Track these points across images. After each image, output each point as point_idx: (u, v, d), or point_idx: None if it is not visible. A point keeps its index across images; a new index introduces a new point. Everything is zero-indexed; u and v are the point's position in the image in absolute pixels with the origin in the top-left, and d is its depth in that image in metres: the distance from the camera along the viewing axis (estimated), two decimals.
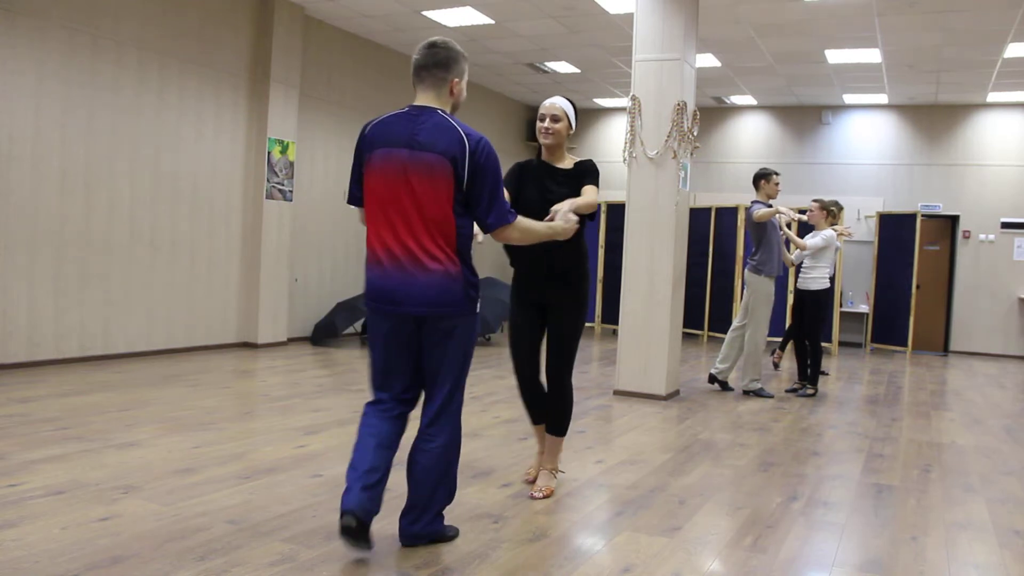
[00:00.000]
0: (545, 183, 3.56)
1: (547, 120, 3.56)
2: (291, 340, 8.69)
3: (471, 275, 2.84)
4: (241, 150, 8.10)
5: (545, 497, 3.61)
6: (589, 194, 3.48)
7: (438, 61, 2.79)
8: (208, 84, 7.69)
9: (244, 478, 3.71)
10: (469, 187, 2.74)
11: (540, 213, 3.29)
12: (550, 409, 3.68)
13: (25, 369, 6.18)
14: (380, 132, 2.79)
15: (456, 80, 2.83)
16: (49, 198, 6.37)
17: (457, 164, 2.70)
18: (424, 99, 2.82)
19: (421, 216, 2.72)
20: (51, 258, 6.41)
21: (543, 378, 3.69)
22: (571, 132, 3.63)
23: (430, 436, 2.84)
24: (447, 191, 2.71)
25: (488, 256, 11.20)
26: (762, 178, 6.74)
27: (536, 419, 3.80)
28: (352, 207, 2.94)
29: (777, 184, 6.74)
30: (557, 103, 3.57)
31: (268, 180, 8.19)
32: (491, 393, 6.25)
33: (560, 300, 3.57)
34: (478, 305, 2.87)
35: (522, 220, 2.92)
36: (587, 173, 3.58)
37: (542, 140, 3.58)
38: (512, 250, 3.55)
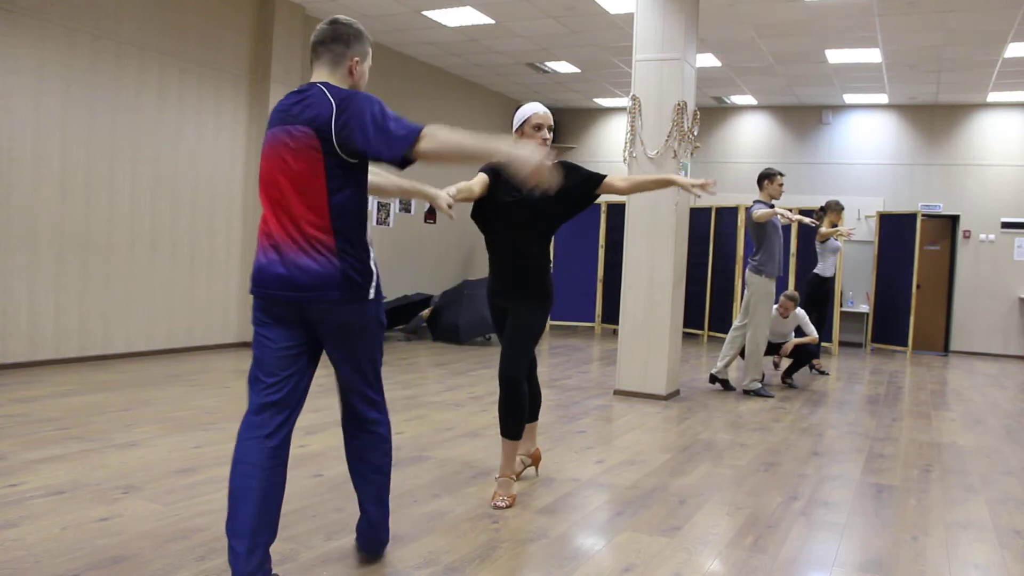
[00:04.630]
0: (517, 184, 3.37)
1: (545, 130, 3.49)
2: None
3: (356, 257, 2.50)
4: (241, 150, 8.10)
5: (508, 506, 3.47)
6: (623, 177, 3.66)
7: (338, 36, 2.56)
8: (208, 84, 7.69)
9: None
10: (345, 141, 2.40)
11: (523, 210, 3.43)
12: (503, 410, 3.57)
13: (25, 369, 6.18)
14: (272, 115, 2.57)
15: (356, 59, 2.58)
16: (49, 198, 6.37)
17: (322, 131, 2.41)
18: (318, 76, 2.57)
19: (297, 194, 2.45)
20: (51, 258, 6.41)
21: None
22: None
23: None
24: (317, 164, 2.43)
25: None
26: (766, 178, 6.74)
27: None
28: None
29: (781, 185, 6.73)
30: (549, 112, 3.54)
31: None
32: (491, 393, 6.25)
33: (520, 292, 3.55)
34: (371, 291, 2.54)
35: (438, 130, 2.39)
36: (576, 170, 3.55)
37: (543, 150, 3.49)
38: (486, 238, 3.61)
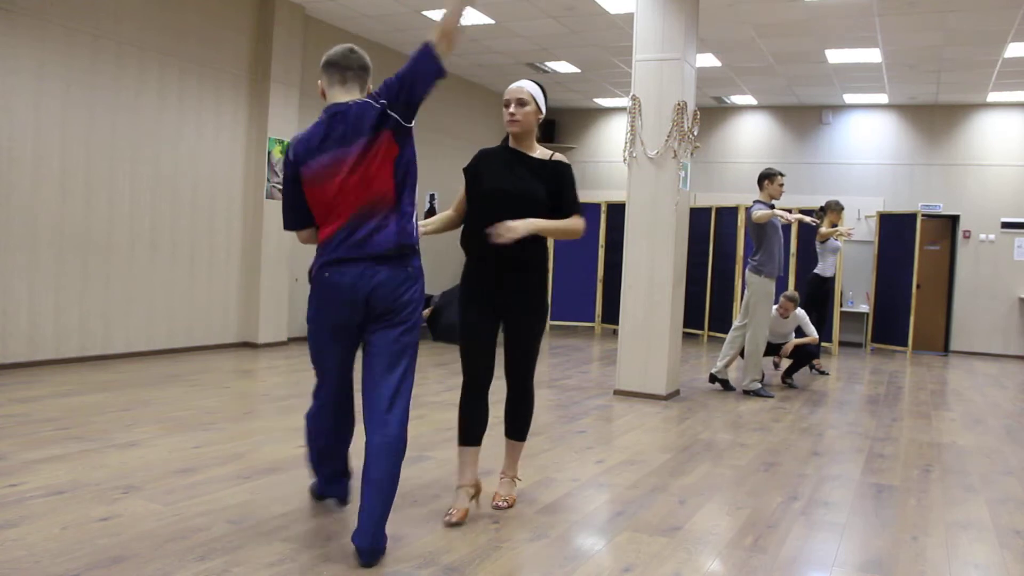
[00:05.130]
0: (515, 169, 3.24)
1: (512, 105, 3.23)
2: (291, 340, 8.69)
3: (412, 225, 2.90)
4: (241, 150, 8.10)
5: (509, 507, 3.45)
6: (574, 223, 3.25)
7: (363, 65, 2.94)
8: (208, 84, 7.69)
9: (244, 478, 3.71)
10: (410, 96, 2.81)
11: (511, 200, 3.16)
12: (514, 414, 3.47)
13: (25, 369, 6.18)
14: (312, 142, 2.82)
15: (371, 86, 2.96)
16: (49, 198, 6.37)
17: (390, 124, 2.78)
18: (348, 96, 2.88)
19: (375, 194, 2.80)
20: (51, 258, 6.41)
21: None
22: (540, 117, 3.30)
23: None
24: (392, 156, 2.80)
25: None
26: (766, 178, 6.73)
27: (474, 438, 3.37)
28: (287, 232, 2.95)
29: (781, 185, 6.72)
30: (524, 86, 3.24)
31: (268, 180, 8.19)
32: (491, 392, 6.23)
33: (519, 299, 3.28)
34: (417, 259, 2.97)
35: (436, 29, 2.79)
36: (565, 181, 3.27)
37: (508, 128, 3.26)
38: (466, 235, 3.31)
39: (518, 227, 3.06)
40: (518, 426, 3.51)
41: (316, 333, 2.94)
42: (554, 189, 3.25)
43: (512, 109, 3.23)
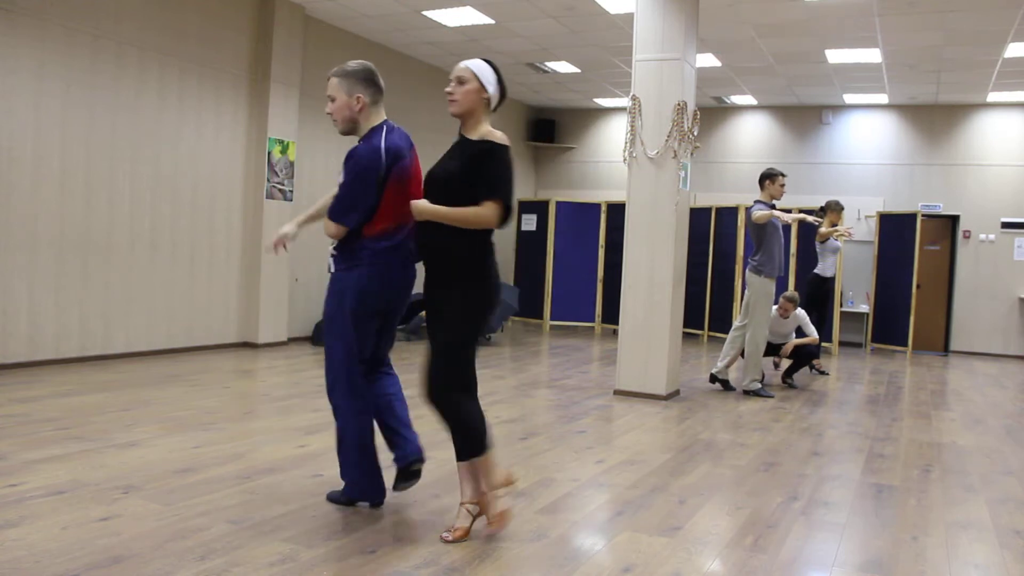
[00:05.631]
0: (452, 152, 3.05)
1: (451, 83, 3.01)
2: (291, 340, 8.69)
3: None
4: (241, 150, 8.10)
5: (501, 527, 3.13)
6: (474, 212, 2.90)
7: None
8: (208, 84, 7.69)
9: (244, 478, 3.71)
10: None
11: (429, 183, 3.05)
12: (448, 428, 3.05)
13: (25, 369, 6.18)
14: (404, 148, 3.20)
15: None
16: (49, 198, 6.37)
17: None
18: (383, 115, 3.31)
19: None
20: (51, 258, 6.41)
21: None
22: (487, 97, 3.01)
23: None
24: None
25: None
26: (767, 178, 6.73)
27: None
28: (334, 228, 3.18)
29: (782, 186, 6.72)
30: (468, 64, 3.01)
31: (268, 180, 8.19)
32: (491, 393, 6.25)
33: (437, 294, 3.03)
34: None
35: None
36: (484, 161, 2.93)
37: (448, 109, 3.04)
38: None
39: (422, 209, 2.95)
40: (455, 444, 3.02)
41: (360, 318, 3.16)
42: (474, 170, 2.93)
43: (450, 88, 3.01)
